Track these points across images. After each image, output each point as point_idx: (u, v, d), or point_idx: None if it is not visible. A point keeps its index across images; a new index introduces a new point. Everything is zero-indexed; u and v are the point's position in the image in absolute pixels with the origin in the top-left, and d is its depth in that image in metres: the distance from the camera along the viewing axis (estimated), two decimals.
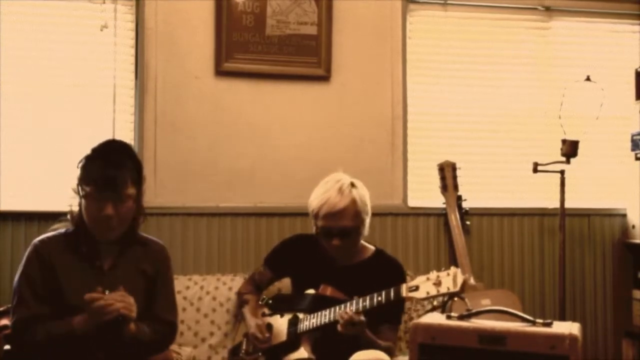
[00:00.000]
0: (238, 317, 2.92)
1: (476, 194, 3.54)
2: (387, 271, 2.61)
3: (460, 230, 3.34)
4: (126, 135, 3.25)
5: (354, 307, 2.37)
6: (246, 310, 2.77)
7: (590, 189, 3.73)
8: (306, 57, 3.37)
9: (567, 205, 3.40)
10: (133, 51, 3.28)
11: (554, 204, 3.47)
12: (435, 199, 3.47)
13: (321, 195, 2.56)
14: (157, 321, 2.13)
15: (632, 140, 3.61)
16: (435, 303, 2.27)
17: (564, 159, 3.36)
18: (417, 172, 3.55)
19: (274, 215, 3.33)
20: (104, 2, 3.25)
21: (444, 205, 3.41)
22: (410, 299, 2.33)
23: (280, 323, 2.62)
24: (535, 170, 3.39)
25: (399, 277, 2.58)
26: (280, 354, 2.54)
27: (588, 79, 3.39)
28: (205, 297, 3.01)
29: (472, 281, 3.21)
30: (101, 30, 3.23)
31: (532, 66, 3.71)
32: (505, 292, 3.30)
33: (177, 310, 2.30)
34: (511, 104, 3.67)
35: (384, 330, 2.51)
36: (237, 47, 3.31)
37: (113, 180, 1.98)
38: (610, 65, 3.74)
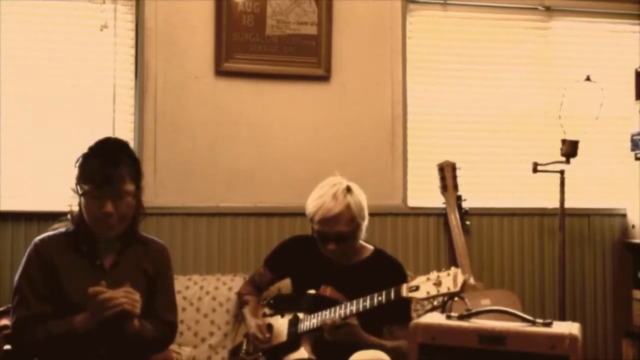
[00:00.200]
0: (238, 317, 2.92)
1: (476, 194, 3.54)
2: (387, 270, 2.61)
3: (460, 230, 3.34)
4: (126, 135, 3.25)
5: (354, 308, 2.38)
6: (246, 311, 2.77)
7: (590, 189, 3.73)
8: (306, 57, 3.37)
9: (567, 205, 3.40)
10: (133, 51, 3.28)
11: (554, 204, 3.47)
12: (435, 199, 3.47)
13: (316, 200, 2.55)
14: (157, 321, 2.13)
15: (632, 140, 3.61)
16: (435, 303, 2.27)
17: (563, 159, 3.36)
18: (417, 172, 3.55)
19: (274, 215, 3.34)
20: (104, 2, 3.25)
21: (444, 205, 3.42)
22: (411, 299, 2.33)
23: (281, 323, 2.62)
24: (535, 170, 3.38)
25: (399, 276, 2.58)
26: (281, 354, 2.54)
27: (588, 79, 3.39)
28: (205, 297, 3.01)
29: (472, 281, 3.21)
30: (101, 30, 3.23)
31: (532, 66, 3.71)
32: (505, 292, 3.30)
33: (177, 310, 2.30)
34: (511, 104, 3.67)
35: (395, 331, 2.50)
36: (237, 47, 3.31)
37: (110, 177, 1.98)
38: (610, 65, 3.75)
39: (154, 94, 3.26)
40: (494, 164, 3.66)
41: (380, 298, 2.33)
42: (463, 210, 3.42)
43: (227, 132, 3.33)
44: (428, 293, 2.22)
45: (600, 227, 3.71)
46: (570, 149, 3.34)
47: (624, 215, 3.71)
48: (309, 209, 2.57)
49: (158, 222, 3.20)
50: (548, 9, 3.71)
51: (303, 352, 2.49)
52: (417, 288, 2.26)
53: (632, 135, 3.61)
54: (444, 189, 3.40)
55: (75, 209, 2.07)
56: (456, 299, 2.20)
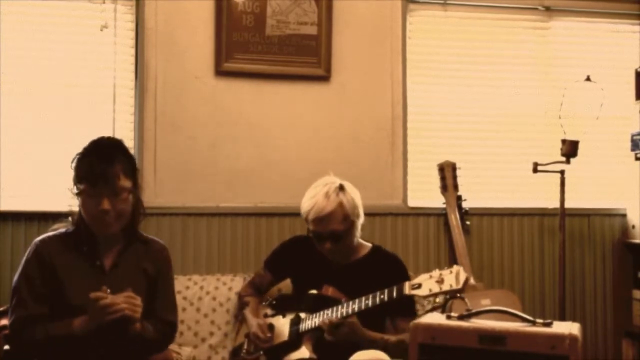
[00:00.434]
0: (238, 317, 2.92)
1: (476, 194, 3.54)
2: (386, 267, 2.62)
3: (460, 230, 3.34)
4: (126, 135, 3.25)
5: (356, 307, 2.38)
6: (247, 312, 2.77)
7: (590, 189, 3.73)
8: (306, 57, 3.37)
9: (567, 205, 3.40)
10: (133, 51, 3.28)
11: (554, 204, 3.47)
12: (435, 199, 3.47)
13: (309, 200, 2.57)
14: (157, 320, 2.13)
15: (632, 140, 3.60)
16: (437, 300, 2.27)
17: (564, 159, 3.36)
18: (417, 172, 3.55)
19: (274, 215, 3.34)
20: (104, 2, 3.25)
21: (444, 205, 3.42)
22: (413, 296, 2.34)
23: (282, 323, 2.63)
24: (535, 170, 3.39)
25: (399, 271, 2.59)
26: (282, 354, 2.54)
27: (588, 79, 3.39)
28: (205, 297, 3.01)
29: (472, 281, 3.20)
30: (101, 30, 3.23)
31: (532, 66, 3.71)
32: (505, 292, 3.30)
33: (177, 310, 2.30)
34: (511, 104, 3.67)
35: (399, 324, 2.51)
36: (237, 47, 3.31)
37: (104, 173, 1.98)
38: (610, 65, 3.74)
39: (154, 94, 3.26)
40: (494, 164, 3.66)
41: (382, 296, 2.34)
42: (463, 210, 3.43)
43: (227, 132, 3.33)
44: (430, 290, 2.23)
45: (600, 227, 3.71)
46: (570, 149, 3.34)
47: (624, 215, 3.71)
48: (303, 209, 2.59)
49: (158, 222, 3.20)
50: (548, 9, 3.71)
51: (304, 351, 2.49)
52: (419, 286, 2.27)
53: (632, 135, 3.61)
54: (444, 189, 3.40)
55: (75, 209, 2.07)
56: (456, 298, 2.20)
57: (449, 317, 1.91)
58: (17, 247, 3.06)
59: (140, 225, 2.19)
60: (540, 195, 3.63)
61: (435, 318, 1.93)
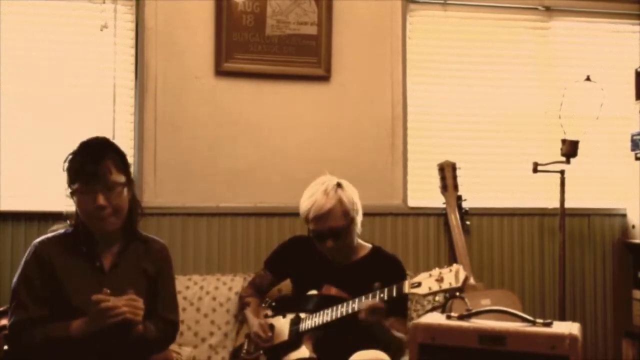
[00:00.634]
0: (239, 317, 2.92)
1: (476, 194, 3.54)
2: (386, 267, 2.62)
3: (460, 230, 3.34)
4: (126, 135, 3.26)
5: (356, 306, 2.39)
6: (248, 312, 2.78)
7: (590, 189, 3.73)
8: (306, 57, 3.37)
9: (567, 205, 3.40)
10: (133, 51, 3.28)
11: (554, 204, 3.47)
12: (435, 199, 3.47)
13: (308, 199, 2.59)
14: (159, 320, 2.13)
15: (632, 140, 3.60)
16: (437, 299, 2.28)
17: (564, 159, 3.36)
18: (417, 172, 3.55)
19: (274, 215, 3.34)
20: (104, 2, 3.25)
21: (444, 205, 3.41)
22: (413, 295, 2.35)
23: (282, 323, 2.63)
24: (535, 170, 3.39)
25: (399, 272, 2.60)
26: (282, 354, 2.55)
27: (588, 79, 3.39)
28: (205, 297, 3.01)
29: (472, 281, 3.21)
30: (101, 30, 3.23)
31: (532, 66, 3.71)
32: (505, 292, 3.30)
33: (179, 308, 2.31)
34: (511, 104, 3.67)
35: (392, 322, 2.52)
36: (237, 47, 3.31)
37: (96, 169, 1.99)
38: (610, 65, 3.74)
39: (154, 94, 3.26)
40: (494, 164, 3.65)
41: (382, 295, 2.35)
42: (463, 210, 3.42)
43: (227, 132, 3.33)
44: (430, 289, 2.25)
45: (600, 227, 3.71)
46: (570, 149, 3.34)
47: (624, 215, 3.71)
48: (302, 208, 2.61)
49: (158, 222, 3.20)
50: (548, 9, 3.71)
51: (304, 350, 2.50)
52: (419, 284, 2.28)
53: (632, 135, 3.60)
54: (444, 189, 3.40)
55: (71, 209, 2.08)
56: (456, 298, 2.20)
57: (449, 317, 1.91)
58: (17, 247, 3.06)
59: (139, 225, 2.19)
60: (540, 195, 3.63)
61: (435, 318, 1.93)
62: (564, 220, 3.41)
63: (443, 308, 2.15)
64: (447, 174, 3.40)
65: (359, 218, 2.63)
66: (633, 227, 3.65)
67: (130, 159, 3.22)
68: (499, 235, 3.60)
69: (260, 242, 3.32)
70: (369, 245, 2.73)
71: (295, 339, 2.54)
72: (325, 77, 3.41)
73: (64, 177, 2.06)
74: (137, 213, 2.16)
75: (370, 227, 3.01)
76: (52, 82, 3.22)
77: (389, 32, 3.49)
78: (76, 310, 1.96)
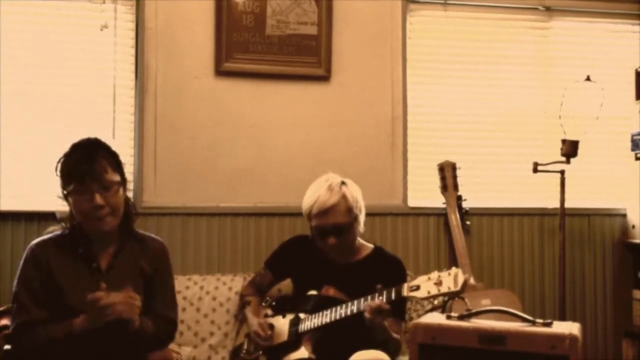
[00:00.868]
0: (239, 317, 2.92)
1: (476, 194, 3.54)
2: (387, 268, 2.62)
3: (460, 230, 3.34)
4: (126, 135, 3.26)
5: (355, 308, 2.38)
6: (248, 311, 2.78)
7: (590, 189, 3.73)
8: (306, 57, 3.37)
9: (567, 205, 3.40)
10: (133, 51, 3.28)
11: (554, 204, 3.47)
12: (435, 199, 3.47)
13: (311, 195, 2.60)
14: (157, 318, 2.13)
15: (632, 140, 3.61)
16: (436, 302, 2.28)
17: (564, 159, 3.36)
18: (417, 172, 3.55)
19: (274, 215, 3.33)
20: (104, 2, 3.25)
21: (444, 205, 3.41)
22: (412, 298, 2.35)
23: (282, 323, 2.63)
24: (535, 170, 3.39)
25: (400, 273, 2.60)
26: (281, 354, 2.54)
27: (588, 79, 3.39)
28: (205, 297, 3.01)
29: (472, 281, 3.21)
30: (101, 30, 3.23)
31: (532, 66, 3.71)
32: (505, 292, 3.30)
33: (178, 307, 2.31)
34: (511, 104, 3.67)
35: (389, 324, 2.52)
36: (237, 47, 3.31)
37: (91, 169, 1.99)
38: (610, 65, 3.74)
39: (154, 94, 3.26)
40: (494, 164, 3.65)
41: (381, 297, 2.34)
42: (463, 210, 3.42)
43: (227, 132, 3.32)
44: (429, 292, 2.24)
45: (600, 227, 3.71)
46: (570, 149, 3.34)
47: (624, 215, 3.71)
48: (305, 205, 2.61)
49: (158, 222, 3.20)
50: (548, 9, 3.71)
51: (304, 351, 2.50)
52: (417, 287, 2.28)
53: (632, 135, 3.61)
54: (444, 189, 3.40)
55: (64, 209, 2.08)
56: (456, 298, 2.20)
57: (449, 317, 1.91)
58: (17, 247, 3.06)
59: (135, 224, 2.19)
60: (540, 195, 3.63)
61: (435, 318, 1.94)
62: (564, 220, 3.41)
63: (443, 308, 2.15)
64: (447, 174, 3.40)
65: (362, 217, 2.63)
66: (633, 227, 3.65)
67: (130, 159, 3.23)
68: (499, 235, 3.60)
69: (260, 242, 3.32)
70: (371, 246, 2.73)
71: (295, 339, 2.54)
72: (325, 77, 3.41)
73: (58, 179, 2.06)
74: (133, 212, 2.16)
75: (370, 227, 3.00)
76: (52, 82, 3.21)
77: (389, 32, 3.49)
78: (75, 311, 1.97)
